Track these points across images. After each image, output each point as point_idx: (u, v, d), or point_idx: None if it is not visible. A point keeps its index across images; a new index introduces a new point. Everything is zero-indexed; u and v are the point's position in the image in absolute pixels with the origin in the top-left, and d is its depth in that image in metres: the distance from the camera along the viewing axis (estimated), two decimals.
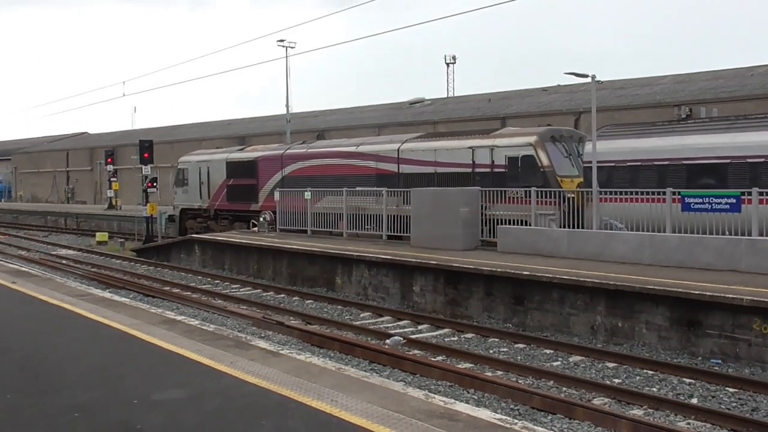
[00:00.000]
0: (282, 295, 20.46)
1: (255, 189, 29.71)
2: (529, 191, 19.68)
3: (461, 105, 50.86)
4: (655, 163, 18.99)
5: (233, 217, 30.79)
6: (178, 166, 34.27)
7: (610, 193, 18.64)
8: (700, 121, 20.57)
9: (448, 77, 71.09)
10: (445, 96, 63.69)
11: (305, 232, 25.94)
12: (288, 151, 29.05)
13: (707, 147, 18.13)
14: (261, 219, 28.20)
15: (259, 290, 21.49)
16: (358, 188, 24.60)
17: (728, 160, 17.68)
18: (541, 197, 19.62)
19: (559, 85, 47.50)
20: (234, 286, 22.53)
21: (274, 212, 27.61)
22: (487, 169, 21.79)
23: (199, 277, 24.35)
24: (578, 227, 18.68)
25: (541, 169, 20.55)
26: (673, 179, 18.39)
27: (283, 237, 25.37)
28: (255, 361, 8.21)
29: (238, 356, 8.42)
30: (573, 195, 19.36)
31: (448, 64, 71.06)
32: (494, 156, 21.67)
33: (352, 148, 26.23)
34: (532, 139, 21.05)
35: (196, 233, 30.09)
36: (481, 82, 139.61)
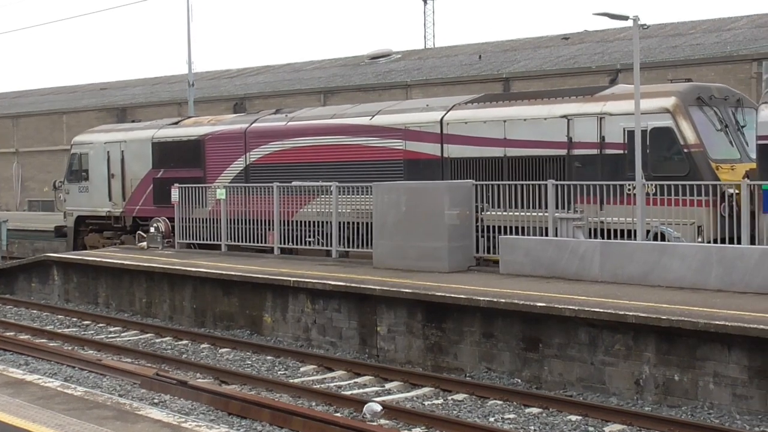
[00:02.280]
0: (184, 342, 20.40)
1: (201, 184, 28.85)
2: (664, 185, 18.61)
3: (445, 60, 51.21)
4: None
5: None
6: (72, 150, 33.41)
7: None
8: None
9: (425, 21, 71.44)
10: (422, 48, 64.05)
11: (218, 247, 25.94)
12: (256, 124, 27.97)
13: None
14: (152, 229, 28.00)
15: (150, 334, 21.41)
16: (294, 183, 24.50)
17: None
18: (684, 194, 18.41)
19: (586, 32, 48.07)
20: (113, 328, 22.42)
21: (171, 219, 27.40)
22: (594, 150, 20.84)
23: (60, 317, 24.19)
24: (748, 242, 17.67)
25: (685, 150, 19.56)
26: None
27: (186, 256, 25.26)
28: None
29: None
30: (736, 191, 18.32)
31: (425, 1, 71.44)
32: (605, 129, 20.72)
33: (365, 120, 25.38)
34: (670, 101, 19.95)
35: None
36: (472, 30, 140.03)
